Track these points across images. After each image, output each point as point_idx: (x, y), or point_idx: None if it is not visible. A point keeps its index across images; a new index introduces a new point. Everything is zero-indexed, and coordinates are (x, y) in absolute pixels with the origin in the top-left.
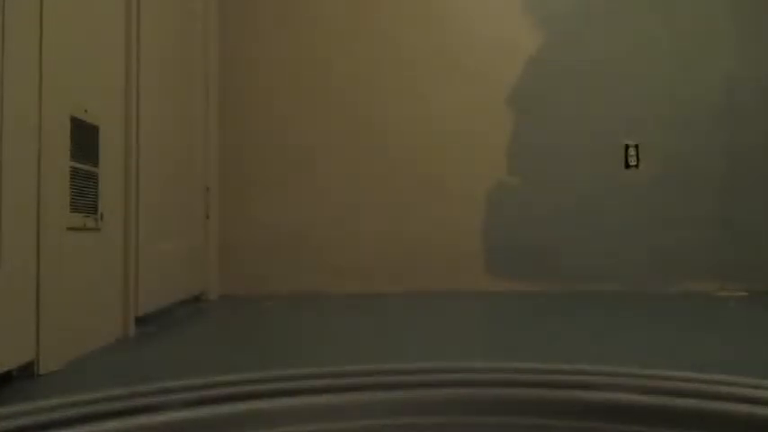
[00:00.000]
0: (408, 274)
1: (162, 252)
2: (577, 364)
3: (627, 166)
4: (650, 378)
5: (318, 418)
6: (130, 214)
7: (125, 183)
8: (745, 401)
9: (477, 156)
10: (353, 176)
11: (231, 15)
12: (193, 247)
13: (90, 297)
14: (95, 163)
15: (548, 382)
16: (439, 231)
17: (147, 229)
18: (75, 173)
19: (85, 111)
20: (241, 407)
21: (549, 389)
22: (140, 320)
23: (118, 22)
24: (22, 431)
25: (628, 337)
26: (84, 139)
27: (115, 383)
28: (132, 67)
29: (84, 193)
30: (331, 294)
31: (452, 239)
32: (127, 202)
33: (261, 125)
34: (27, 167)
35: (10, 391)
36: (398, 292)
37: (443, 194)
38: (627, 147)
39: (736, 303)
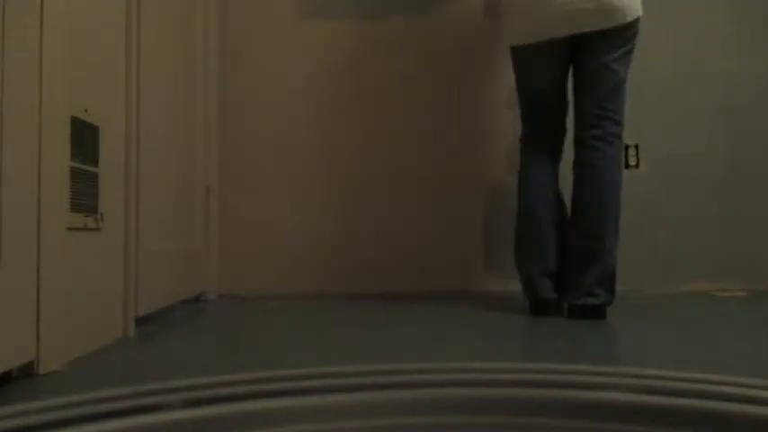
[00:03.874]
0: (409, 274)
1: (162, 252)
2: (577, 364)
3: (627, 166)
4: (650, 378)
5: (318, 418)
6: (130, 214)
7: (125, 183)
8: (746, 401)
9: (476, 155)
10: (354, 176)
11: (232, 15)
12: (193, 246)
13: (90, 297)
14: (95, 163)
15: (547, 382)
16: (439, 231)
17: (148, 229)
18: (75, 173)
19: (86, 111)
20: (241, 407)
21: (549, 389)
22: (140, 320)
23: (118, 21)
24: (22, 431)
25: (627, 337)
26: (84, 139)
27: (115, 383)
28: (133, 67)
29: (84, 193)
30: (331, 294)
31: (452, 239)
32: (127, 202)
33: (261, 125)
34: (27, 167)
35: (10, 391)
36: (399, 291)
37: (443, 194)
38: (627, 147)
39: (736, 303)
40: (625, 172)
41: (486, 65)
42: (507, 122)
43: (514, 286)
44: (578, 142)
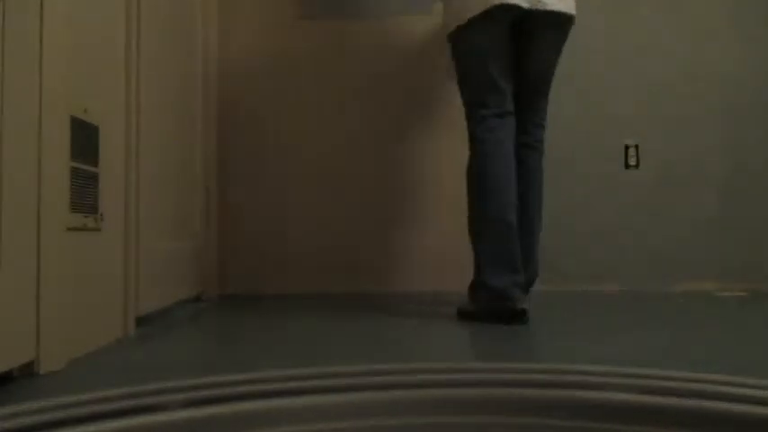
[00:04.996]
0: (410, 275)
1: (162, 252)
2: (577, 364)
3: (627, 166)
4: (650, 378)
5: (318, 418)
6: (130, 214)
7: (125, 183)
8: (745, 401)
9: None
10: (355, 176)
11: (232, 15)
12: (193, 246)
13: (90, 297)
14: (95, 163)
15: (547, 382)
16: (439, 231)
17: (147, 230)
18: (75, 173)
19: (85, 111)
20: (241, 407)
21: (549, 389)
22: (140, 320)
23: (118, 21)
24: (22, 431)
25: (628, 337)
26: (84, 139)
27: (115, 383)
28: (133, 67)
29: (84, 193)
30: (331, 294)
31: (453, 239)
32: (127, 202)
33: (262, 125)
34: (27, 167)
35: (10, 391)
36: (400, 292)
37: (443, 194)
38: (627, 147)
39: (736, 303)
40: (625, 172)
41: None
42: None
43: None
44: (524, 145)
